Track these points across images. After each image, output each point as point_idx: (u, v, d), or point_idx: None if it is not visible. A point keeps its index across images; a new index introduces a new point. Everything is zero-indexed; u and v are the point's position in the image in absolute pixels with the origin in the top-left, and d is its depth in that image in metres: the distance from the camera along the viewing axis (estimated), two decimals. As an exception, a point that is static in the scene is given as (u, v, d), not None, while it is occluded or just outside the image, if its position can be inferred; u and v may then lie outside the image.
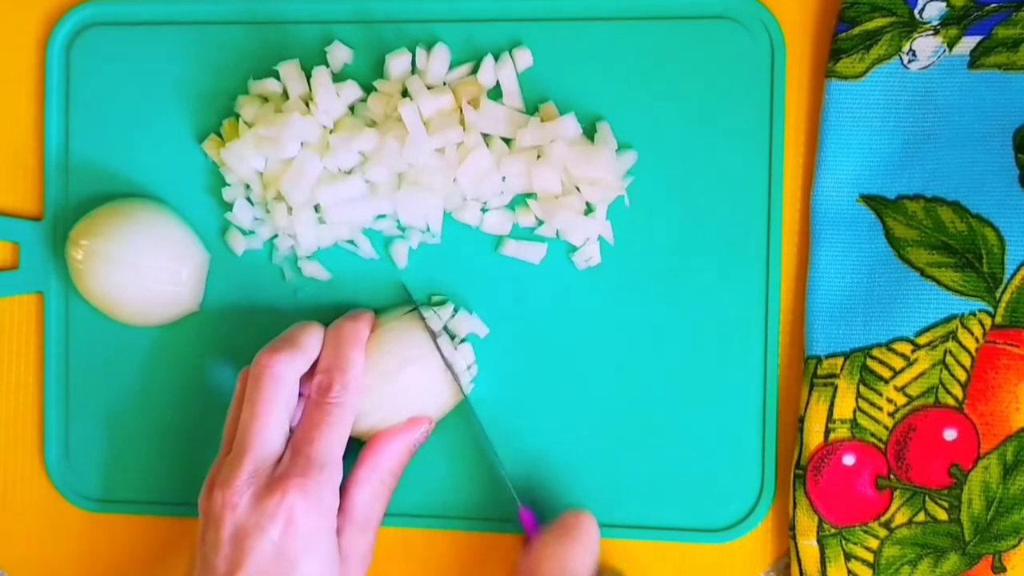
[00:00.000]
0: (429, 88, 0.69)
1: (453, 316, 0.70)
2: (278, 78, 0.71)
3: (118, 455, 0.73)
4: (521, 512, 0.68)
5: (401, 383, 0.68)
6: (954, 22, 0.66)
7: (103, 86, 0.73)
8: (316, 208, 0.70)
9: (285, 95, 0.71)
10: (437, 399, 0.69)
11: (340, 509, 0.66)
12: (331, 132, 0.69)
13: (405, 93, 0.69)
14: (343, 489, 0.67)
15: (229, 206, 0.72)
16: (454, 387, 0.69)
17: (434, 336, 0.68)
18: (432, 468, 0.71)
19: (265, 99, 0.71)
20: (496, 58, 0.70)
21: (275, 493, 0.63)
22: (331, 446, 0.65)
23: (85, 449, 0.74)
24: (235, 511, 0.64)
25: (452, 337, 0.70)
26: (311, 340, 0.68)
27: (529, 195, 0.70)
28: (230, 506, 0.64)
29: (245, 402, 0.66)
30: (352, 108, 0.70)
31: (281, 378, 0.66)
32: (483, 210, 0.70)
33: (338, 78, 0.71)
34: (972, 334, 0.66)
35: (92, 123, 0.73)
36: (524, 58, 0.70)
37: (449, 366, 0.68)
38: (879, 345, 0.67)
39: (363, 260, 0.71)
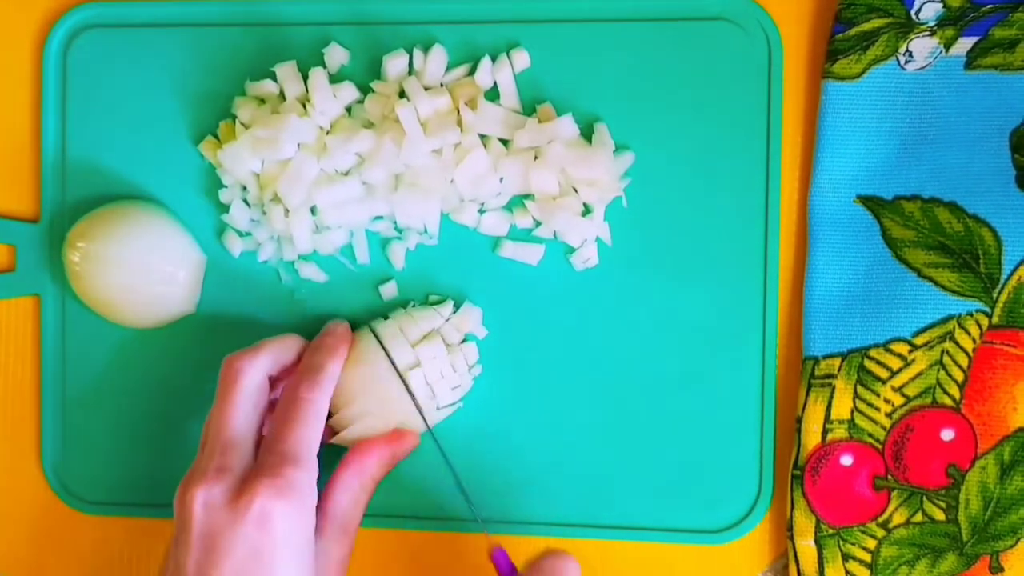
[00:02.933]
0: (426, 89, 0.69)
1: (455, 312, 0.70)
2: (275, 79, 0.71)
3: (116, 457, 0.73)
4: (495, 554, 0.66)
5: (387, 391, 0.67)
6: (950, 23, 0.67)
7: (100, 88, 0.73)
8: (312, 210, 0.70)
9: (282, 96, 0.71)
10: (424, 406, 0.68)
11: (321, 511, 0.66)
12: (328, 133, 0.69)
13: (402, 94, 0.69)
14: (324, 492, 0.66)
15: (225, 208, 0.72)
16: (446, 395, 0.69)
17: (394, 364, 0.68)
18: (417, 469, 0.71)
19: (262, 101, 0.71)
20: (493, 59, 0.70)
21: (246, 491, 0.62)
22: (302, 440, 0.64)
23: (83, 452, 0.74)
24: (204, 508, 0.62)
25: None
26: (277, 343, 0.67)
27: (527, 196, 0.70)
28: (199, 503, 0.62)
29: (215, 404, 0.66)
30: (349, 109, 0.70)
31: (241, 372, 0.65)
32: (480, 211, 0.70)
33: (335, 79, 0.71)
34: (969, 334, 0.67)
35: (89, 125, 0.73)
36: (521, 59, 0.70)
37: (412, 396, 0.68)
38: (876, 345, 0.67)
39: (358, 262, 0.71)
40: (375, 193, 0.69)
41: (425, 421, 0.68)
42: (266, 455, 0.64)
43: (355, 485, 0.67)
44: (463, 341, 0.70)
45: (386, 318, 0.70)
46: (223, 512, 0.62)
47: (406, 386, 0.67)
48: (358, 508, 0.67)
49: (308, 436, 0.64)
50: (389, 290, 0.71)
